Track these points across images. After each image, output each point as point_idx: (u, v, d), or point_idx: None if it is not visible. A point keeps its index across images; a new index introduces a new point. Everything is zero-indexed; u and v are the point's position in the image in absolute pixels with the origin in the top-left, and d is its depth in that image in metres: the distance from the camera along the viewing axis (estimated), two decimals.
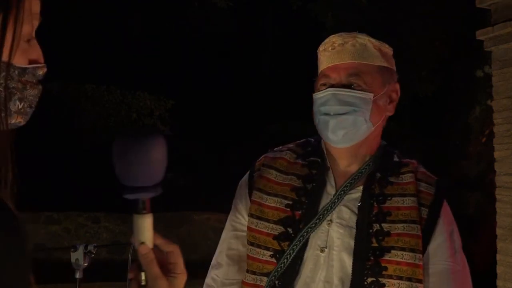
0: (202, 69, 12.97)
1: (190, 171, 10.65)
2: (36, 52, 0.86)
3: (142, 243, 0.93)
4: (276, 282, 1.43)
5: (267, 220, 1.48)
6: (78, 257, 2.45)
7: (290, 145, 1.61)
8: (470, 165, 7.99)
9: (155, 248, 0.94)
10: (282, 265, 1.43)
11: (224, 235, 1.61)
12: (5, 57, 0.78)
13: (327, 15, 9.27)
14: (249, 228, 1.51)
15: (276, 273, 1.44)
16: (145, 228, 0.94)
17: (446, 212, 1.49)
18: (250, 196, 1.55)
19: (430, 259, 1.43)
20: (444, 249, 1.44)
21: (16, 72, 0.81)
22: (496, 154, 4.39)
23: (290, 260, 1.43)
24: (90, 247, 2.48)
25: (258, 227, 1.48)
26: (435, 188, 1.49)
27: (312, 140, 1.60)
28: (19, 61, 0.82)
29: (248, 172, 1.60)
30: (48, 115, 10.42)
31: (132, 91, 11.52)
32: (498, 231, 4.30)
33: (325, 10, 9.29)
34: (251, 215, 1.51)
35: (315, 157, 1.54)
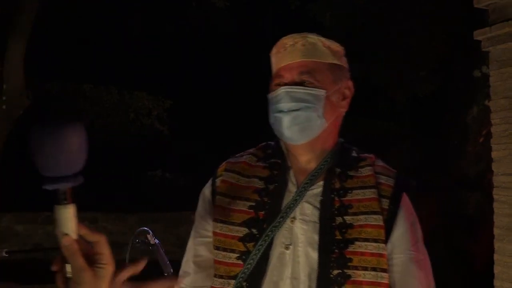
0: (200, 69, 12.97)
1: (189, 171, 10.66)
2: None
3: (65, 234, 0.91)
4: (244, 283, 1.44)
5: (232, 223, 1.49)
6: None
7: (251, 150, 1.64)
8: (469, 165, 8.00)
9: (81, 239, 0.92)
10: (249, 265, 1.44)
11: (189, 243, 1.62)
12: None
13: (325, 15, 9.27)
14: (214, 233, 1.51)
15: (243, 275, 1.44)
16: (67, 219, 0.91)
17: (406, 203, 1.50)
18: (213, 201, 1.56)
19: (394, 249, 1.45)
20: (406, 239, 1.46)
21: None
22: (494, 154, 4.40)
23: (256, 260, 1.44)
24: None
25: (223, 230, 1.49)
26: (394, 180, 1.51)
27: (272, 143, 1.63)
28: None
29: (211, 179, 1.62)
30: (46, 115, 10.41)
31: (130, 91, 11.53)
32: (496, 231, 4.31)
33: (324, 10, 9.29)
34: (215, 219, 1.52)
35: (276, 158, 1.57)
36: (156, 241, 2.47)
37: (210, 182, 1.61)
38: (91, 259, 0.92)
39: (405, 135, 9.98)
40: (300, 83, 1.48)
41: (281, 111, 1.48)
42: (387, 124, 11.34)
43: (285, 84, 1.49)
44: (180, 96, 11.94)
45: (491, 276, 4.37)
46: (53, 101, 10.73)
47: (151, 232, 2.48)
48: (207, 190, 1.61)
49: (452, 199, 7.86)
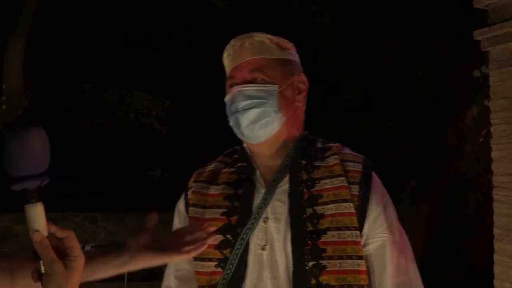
0: (200, 69, 12.96)
1: (189, 171, 10.63)
2: None
3: (36, 231, 0.97)
4: None
5: None
6: None
7: (219, 158, 1.66)
8: (469, 165, 8.00)
9: (51, 236, 0.99)
10: (228, 271, 1.43)
11: None
12: None
13: (324, 15, 9.26)
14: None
15: (223, 281, 1.44)
16: (37, 216, 0.98)
17: (376, 186, 1.50)
18: (187, 213, 1.57)
19: (369, 234, 1.44)
20: (380, 222, 1.45)
21: None
22: (493, 154, 4.40)
23: (235, 265, 1.43)
24: (88, 247, 2.49)
25: None
26: (361, 165, 1.50)
27: (238, 147, 1.64)
28: None
29: (183, 193, 1.62)
30: (45, 115, 10.41)
31: (129, 91, 11.53)
32: (495, 231, 4.31)
33: (323, 10, 9.28)
34: None
35: (242, 162, 1.57)
36: None
37: (183, 196, 1.62)
38: (63, 254, 0.98)
39: (405, 135, 9.97)
40: (252, 81, 1.49)
41: (237, 112, 1.48)
42: (387, 124, 11.33)
43: (237, 84, 1.50)
44: (179, 96, 11.93)
45: (491, 276, 4.37)
46: (52, 101, 10.72)
47: (150, 232, 2.48)
48: (181, 204, 1.61)
49: (451, 199, 7.85)
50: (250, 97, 1.46)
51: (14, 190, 1.00)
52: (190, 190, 1.60)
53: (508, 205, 4.22)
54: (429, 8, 8.43)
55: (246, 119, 1.46)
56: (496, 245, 4.30)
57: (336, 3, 9.09)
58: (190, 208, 1.56)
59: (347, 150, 1.56)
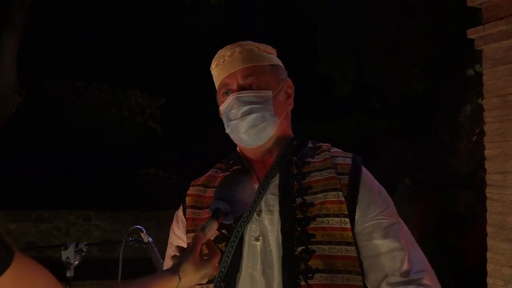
0: (194, 67, 12.93)
1: (182, 169, 10.64)
2: None
3: (202, 232, 1.34)
4: (222, 284, 1.47)
5: None
6: (68, 255, 2.44)
7: (215, 165, 1.72)
8: (462, 163, 8.02)
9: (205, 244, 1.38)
10: (225, 264, 1.47)
11: (166, 257, 1.67)
12: None
13: (318, 13, 9.26)
14: (188, 244, 1.54)
15: (220, 274, 1.47)
16: (211, 227, 1.37)
17: (366, 175, 1.54)
18: (185, 216, 1.62)
19: (363, 220, 1.47)
20: (374, 208, 1.48)
21: None
22: (487, 153, 4.41)
23: (230, 257, 1.48)
24: (81, 245, 2.47)
25: None
26: (351, 159, 1.56)
27: (232, 155, 1.70)
28: None
29: (182, 203, 1.68)
30: (38, 113, 10.38)
31: (123, 89, 11.51)
32: (488, 229, 4.32)
33: (317, 9, 9.28)
34: (187, 231, 1.58)
35: (237, 165, 1.63)
36: (150, 239, 2.47)
37: (181, 205, 1.67)
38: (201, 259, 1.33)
39: (396, 134, 9.99)
40: (247, 88, 1.54)
41: (236, 118, 1.52)
42: (380, 122, 11.35)
43: (233, 91, 1.55)
44: (173, 94, 11.92)
45: (484, 274, 4.38)
46: (46, 99, 10.69)
47: (144, 230, 2.48)
48: (179, 212, 1.66)
49: (445, 198, 7.87)
50: (248, 103, 1.52)
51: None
52: (187, 196, 1.65)
53: (501, 203, 4.23)
54: (422, 7, 8.45)
55: (245, 124, 1.52)
56: (489, 243, 4.31)
57: (330, 1, 9.09)
58: (187, 210, 1.61)
59: (336, 149, 1.62)
